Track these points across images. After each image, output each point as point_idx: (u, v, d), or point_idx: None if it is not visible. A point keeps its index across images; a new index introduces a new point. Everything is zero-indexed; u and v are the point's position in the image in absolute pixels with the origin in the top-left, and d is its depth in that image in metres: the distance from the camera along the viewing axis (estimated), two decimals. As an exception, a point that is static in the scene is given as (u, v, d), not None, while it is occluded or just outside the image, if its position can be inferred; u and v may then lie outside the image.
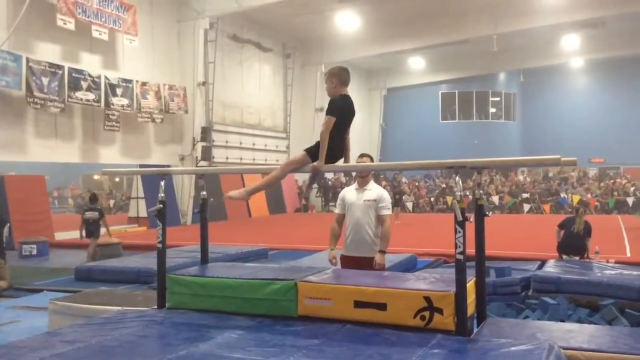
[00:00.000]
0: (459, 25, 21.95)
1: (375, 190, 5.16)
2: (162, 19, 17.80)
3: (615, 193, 23.27)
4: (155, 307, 4.43)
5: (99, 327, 3.86)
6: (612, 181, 24.97)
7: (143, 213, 16.32)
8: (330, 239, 5.27)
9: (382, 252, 4.99)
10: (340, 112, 4.14)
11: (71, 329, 3.87)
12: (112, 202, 27.02)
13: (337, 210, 5.36)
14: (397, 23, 22.16)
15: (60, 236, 14.44)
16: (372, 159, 5.33)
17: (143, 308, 4.52)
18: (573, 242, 8.67)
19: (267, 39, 22.68)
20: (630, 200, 22.37)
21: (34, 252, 11.84)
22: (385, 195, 5.19)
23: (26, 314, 6.67)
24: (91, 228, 10.62)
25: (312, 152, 4.13)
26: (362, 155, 5.25)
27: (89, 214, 10.68)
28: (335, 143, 4.12)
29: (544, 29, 22.27)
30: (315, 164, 4.08)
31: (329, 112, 4.12)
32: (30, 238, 12.21)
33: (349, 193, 5.26)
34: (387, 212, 5.10)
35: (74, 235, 15.26)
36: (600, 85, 30.93)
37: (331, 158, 4.13)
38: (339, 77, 4.22)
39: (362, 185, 5.18)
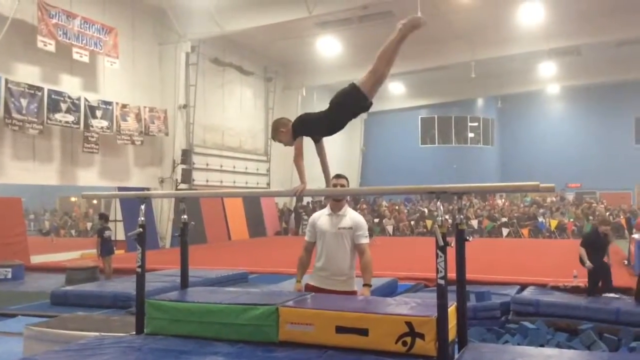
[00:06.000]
0: (437, 52, 22.30)
1: (350, 217, 4.63)
2: (143, 41, 17.82)
3: (590, 217, 23.57)
4: (134, 332, 4.36)
5: (75, 353, 3.78)
6: (587, 205, 25.30)
7: (121, 236, 16.13)
8: (297, 270, 4.75)
9: (368, 285, 4.53)
10: (301, 128, 4.06)
11: (47, 355, 3.79)
12: (89, 225, 26.65)
13: (306, 238, 4.79)
14: (377, 48, 22.16)
15: (36, 259, 14.20)
16: (348, 181, 4.75)
17: (121, 334, 4.44)
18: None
19: (248, 62, 22.81)
20: (606, 225, 22.64)
21: (9, 275, 11.62)
22: (362, 222, 4.67)
23: (0, 340, 6.51)
24: (109, 246, 10.99)
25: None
26: (338, 176, 4.64)
27: (108, 233, 11.06)
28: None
29: (521, 56, 22.74)
30: (298, 186, 4.07)
31: (293, 136, 4.04)
32: (5, 261, 11.98)
33: (321, 219, 4.69)
34: (366, 240, 4.61)
35: (50, 258, 15.13)
36: (576, 112, 31.55)
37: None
38: (283, 125, 4.12)
39: (336, 210, 4.65)
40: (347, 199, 4.96)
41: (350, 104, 4.00)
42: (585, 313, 6.74)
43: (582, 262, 8.11)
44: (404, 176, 24.81)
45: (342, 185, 4.61)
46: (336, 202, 4.69)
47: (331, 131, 4.11)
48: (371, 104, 4.05)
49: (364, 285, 4.54)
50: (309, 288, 4.63)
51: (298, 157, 4.01)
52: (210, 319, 3.95)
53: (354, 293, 4.56)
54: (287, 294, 4.43)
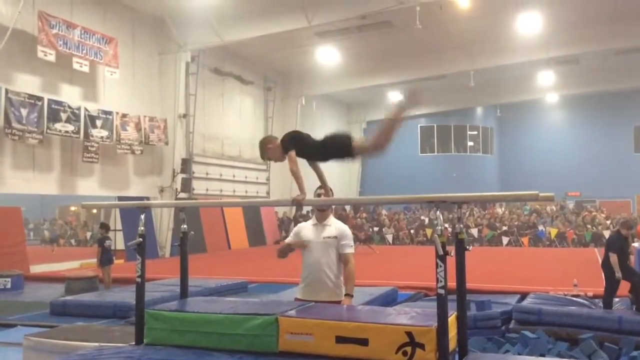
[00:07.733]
0: (437, 61, 22.40)
1: (335, 226, 4.64)
2: (143, 51, 17.88)
3: (589, 226, 23.52)
4: (133, 343, 4.34)
5: (75, 364, 3.77)
6: (586, 214, 25.24)
7: (120, 245, 16.10)
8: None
9: (350, 295, 4.52)
10: (293, 142, 4.17)
11: (46, 366, 3.78)
12: (88, 234, 26.59)
13: (287, 240, 4.89)
14: (376, 58, 22.54)
15: (35, 269, 14.17)
16: (332, 191, 4.70)
17: (120, 344, 4.43)
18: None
19: (248, 72, 22.87)
20: (606, 233, 22.62)
21: (8, 285, 11.57)
22: (347, 232, 4.69)
23: (-1, 350, 6.50)
24: (109, 256, 11.01)
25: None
26: (321, 187, 4.66)
27: (108, 242, 11.11)
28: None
29: (520, 66, 22.83)
30: (296, 196, 4.08)
31: (285, 149, 4.16)
32: (4, 271, 11.94)
33: (306, 229, 4.72)
34: (351, 250, 4.60)
35: (49, 268, 15.09)
36: (575, 120, 31.60)
37: None
38: (270, 142, 4.29)
39: (321, 220, 4.67)
40: (332, 209, 4.98)
41: (337, 151, 4.20)
42: (588, 322, 6.71)
43: (607, 270, 7.82)
44: (403, 185, 24.85)
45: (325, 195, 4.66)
46: (321, 212, 4.70)
47: (322, 159, 4.33)
48: (355, 158, 4.29)
49: (346, 295, 4.53)
50: (298, 301, 4.57)
51: (293, 166, 4.08)
52: (209, 329, 3.93)
53: (340, 302, 4.53)
54: (287, 304, 4.42)
